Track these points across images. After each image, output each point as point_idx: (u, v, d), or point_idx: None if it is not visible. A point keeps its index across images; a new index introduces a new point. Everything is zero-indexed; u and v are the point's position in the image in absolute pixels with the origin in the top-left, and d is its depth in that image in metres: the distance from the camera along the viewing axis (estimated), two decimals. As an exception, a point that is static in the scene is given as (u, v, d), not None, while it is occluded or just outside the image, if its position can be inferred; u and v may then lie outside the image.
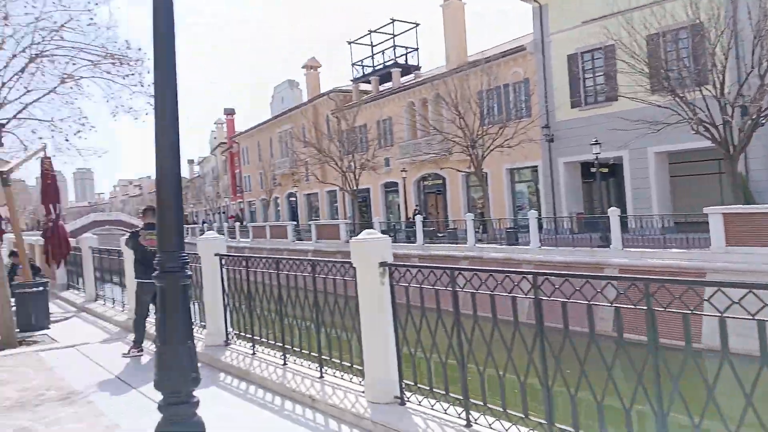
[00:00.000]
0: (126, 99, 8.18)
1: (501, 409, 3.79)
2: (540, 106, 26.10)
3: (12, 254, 11.17)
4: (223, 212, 71.00)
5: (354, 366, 4.96)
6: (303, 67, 48.84)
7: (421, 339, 4.26)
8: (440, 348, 4.13)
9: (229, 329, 6.92)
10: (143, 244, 7.10)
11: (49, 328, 9.35)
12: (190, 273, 3.55)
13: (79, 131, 8.07)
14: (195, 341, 7.10)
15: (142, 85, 8.22)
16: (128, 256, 9.21)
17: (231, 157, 66.94)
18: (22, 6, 7.29)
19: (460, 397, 4.01)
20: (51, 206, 10.79)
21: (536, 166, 27.53)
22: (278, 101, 53.55)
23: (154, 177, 3.57)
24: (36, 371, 6.64)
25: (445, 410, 4.10)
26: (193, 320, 7.59)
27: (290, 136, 46.04)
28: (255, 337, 6.26)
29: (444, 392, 4.15)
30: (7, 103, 7.63)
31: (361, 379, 4.82)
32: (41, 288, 9.61)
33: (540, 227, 22.18)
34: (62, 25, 7.51)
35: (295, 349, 5.67)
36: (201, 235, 8.03)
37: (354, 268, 4.61)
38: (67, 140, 8.00)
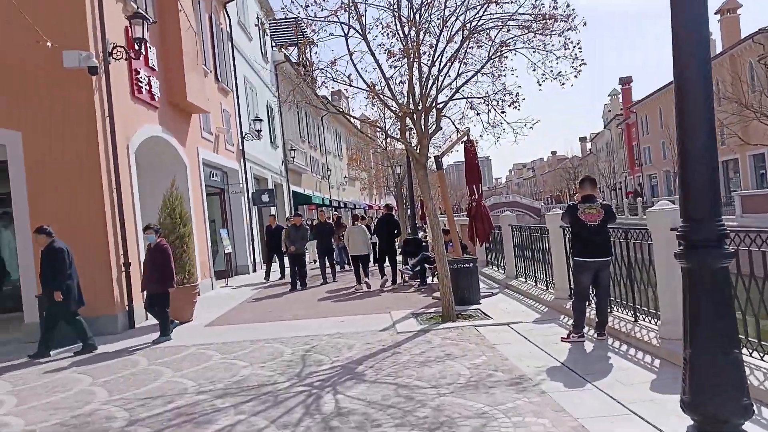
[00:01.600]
0: (552, 65, 7.60)
1: None
2: None
3: (444, 232, 12.06)
4: (619, 188, 67.44)
5: None
6: (716, 13, 41.76)
7: None
8: None
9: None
10: (581, 218, 6.33)
11: (479, 303, 9.63)
12: (731, 251, 2.46)
13: (513, 102, 7.82)
14: (643, 332, 6.06)
15: (566, 48, 7.49)
16: (554, 234, 8.75)
17: (627, 128, 62.81)
18: None
19: None
20: (474, 187, 11.21)
21: None
22: (682, 59, 47.30)
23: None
24: (478, 347, 6.64)
25: None
26: (644, 307, 6.55)
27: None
28: (751, 339, 4.76)
29: None
30: (444, 87, 7.89)
31: None
32: (471, 264, 9.99)
33: None
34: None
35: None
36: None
37: None
38: (503, 112, 7.85)
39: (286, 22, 24.71)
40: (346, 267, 17.17)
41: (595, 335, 6.51)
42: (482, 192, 11.56)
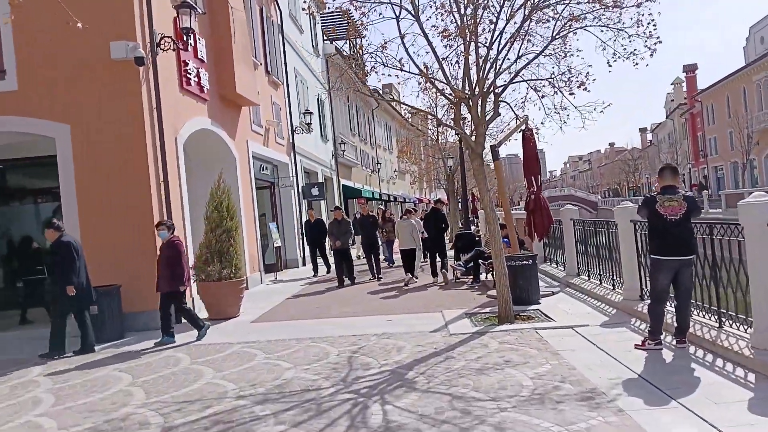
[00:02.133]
0: (623, 44, 6.90)
1: None
2: None
3: (500, 227, 11.42)
4: (682, 181, 64.41)
5: None
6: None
7: None
8: None
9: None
10: (660, 212, 5.63)
11: (539, 303, 9.01)
12: None
13: (582, 84, 7.14)
14: (731, 339, 5.33)
15: (640, 25, 6.77)
16: (623, 229, 8.02)
17: (692, 118, 59.78)
18: None
19: None
20: (533, 179, 10.53)
21: None
22: (755, 42, 44.46)
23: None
24: (540, 353, 6.05)
25: None
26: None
27: (775, 81, 37.50)
28: None
29: None
30: (501, 71, 7.31)
31: None
32: (530, 261, 9.36)
33: None
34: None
35: None
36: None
37: None
38: (572, 94, 7.20)
39: (335, 13, 24.40)
40: (392, 265, 16.65)
41: (674, 342, 5.81)
42: (541, 184, 10.86)
